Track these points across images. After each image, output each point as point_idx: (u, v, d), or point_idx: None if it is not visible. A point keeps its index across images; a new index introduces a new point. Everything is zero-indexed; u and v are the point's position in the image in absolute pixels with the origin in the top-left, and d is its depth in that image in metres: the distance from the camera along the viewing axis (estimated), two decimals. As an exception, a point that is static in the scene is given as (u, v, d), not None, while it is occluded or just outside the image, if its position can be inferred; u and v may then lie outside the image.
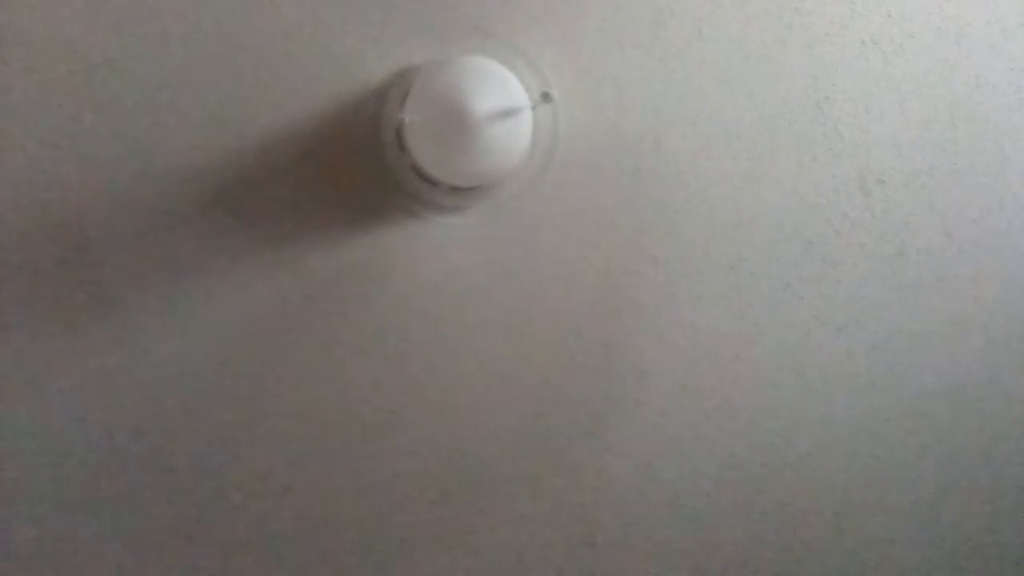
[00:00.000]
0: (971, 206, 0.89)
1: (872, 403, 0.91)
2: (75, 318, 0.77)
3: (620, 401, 0.87)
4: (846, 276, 0.88)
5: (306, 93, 0.77)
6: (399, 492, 0.85)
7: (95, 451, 0.79)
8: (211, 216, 0.77)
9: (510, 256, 0.83)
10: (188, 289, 0.78)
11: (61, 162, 0.74)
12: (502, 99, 0.74)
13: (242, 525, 0.83)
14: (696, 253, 0.85)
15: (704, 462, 0.90)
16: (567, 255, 0.83)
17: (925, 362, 0.91)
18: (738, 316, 0.87)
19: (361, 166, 0.79)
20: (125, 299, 0.77)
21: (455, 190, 0.77)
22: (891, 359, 0.90)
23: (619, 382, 0.87)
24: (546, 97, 0.74)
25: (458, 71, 0.74)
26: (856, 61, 0.85)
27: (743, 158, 0.85)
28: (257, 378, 0.81)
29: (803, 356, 0.89)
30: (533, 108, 0.75)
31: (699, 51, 0.82)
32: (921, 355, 0.91)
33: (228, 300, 0.79)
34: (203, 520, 0.82)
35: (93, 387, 0.78)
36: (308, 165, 0.78)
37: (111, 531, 0.81)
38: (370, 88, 0.78)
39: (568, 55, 0.80)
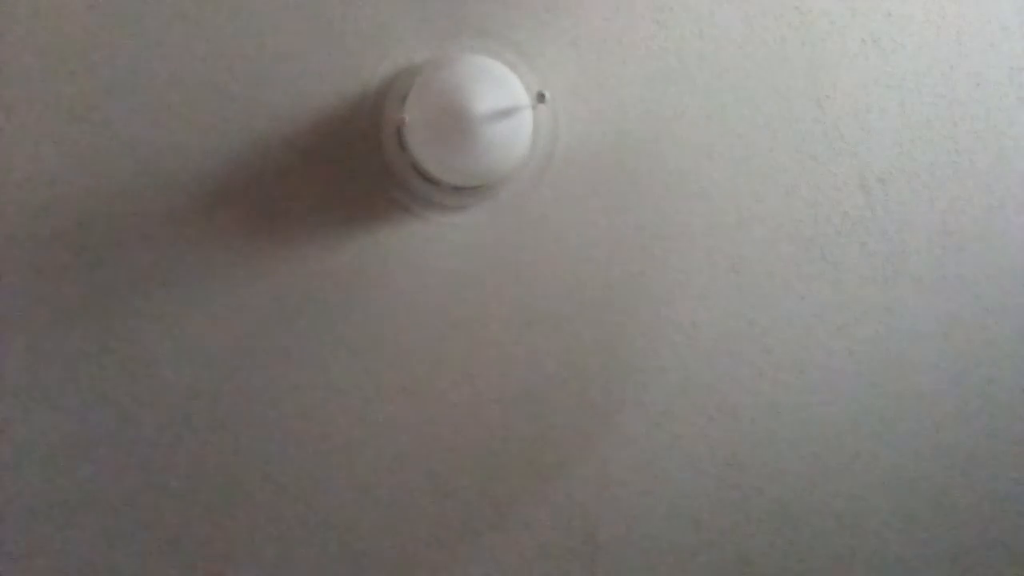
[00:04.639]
0: (971, 206, 0.89)
1: (872, 402, 0.91)
2: (75, 318, 0.77)
3: (620, 401, 0.87)
4: (846, 276, 0.88)
5: (306, 93, 0.77)
6: (399, 492, 0.85)
7: (95, 451, 0.79)
8: (211, 216, 0.77)
9: (510, 256, 0.83)
10: (188, 289, 0.78)
11: (61, 162, 0.74)
12: (502, 99, 0.74)
13: (242, 525, 0.83)
14: (696, 253, 0.85)
15: (704, 462, 0.90)
16: (567, 255, 0.83)
17: (925, 362, 0.91)
18: (738, 316, 0.87)
19: (361, 166, 0.79)
20: (125, 299, 0.77)
21: (455, 189, 0.77)
22: (891, 359, 0.90)
23: (619, 382, 0.87)
24: (541, 97, 0.74)
25: (458, 71, 0.74)
26: (856, 60, 0.85)
27: (743, 158, 0.85)
28: (257, 378, 0.81)
29: (803, 356, 0.89)
30: (533, 108, 0.75)
31: (699, 51, 0.82)
32: (921, 355, 0.91)
33: (228, 300, 0.79)
34: (203, 520, 0.82)
35: (93, 387, 0.78)
36: (308, 165, 0.78)
37: (111, 531, 0.81)
38: (370, 88, 0.78)
39: (568, 55, 0.80)
